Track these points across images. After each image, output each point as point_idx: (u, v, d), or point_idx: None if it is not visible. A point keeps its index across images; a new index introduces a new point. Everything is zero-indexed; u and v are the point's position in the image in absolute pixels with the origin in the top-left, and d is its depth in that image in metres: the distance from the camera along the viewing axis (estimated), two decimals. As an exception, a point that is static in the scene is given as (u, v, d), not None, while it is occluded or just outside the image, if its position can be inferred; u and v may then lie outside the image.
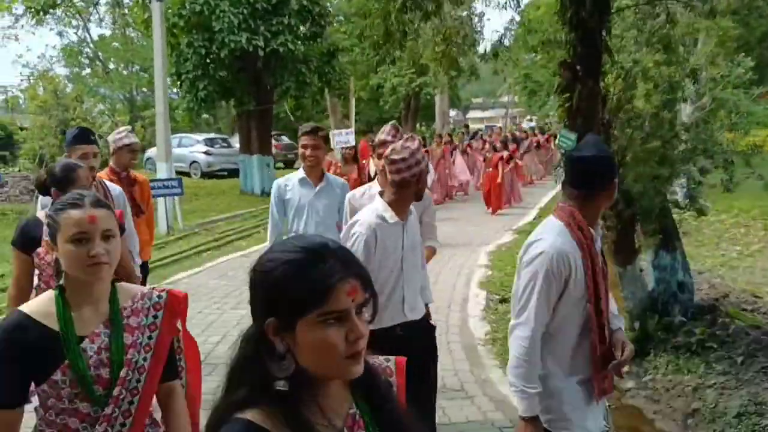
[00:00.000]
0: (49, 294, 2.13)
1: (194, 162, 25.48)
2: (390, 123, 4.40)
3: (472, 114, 77.04)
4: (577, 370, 2.79)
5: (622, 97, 7.27)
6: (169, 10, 16.58)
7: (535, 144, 24.39)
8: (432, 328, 3.94)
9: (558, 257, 2.64)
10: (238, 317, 7.85)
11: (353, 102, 22.77)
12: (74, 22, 38.30)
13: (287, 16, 17.49)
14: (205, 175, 25.14)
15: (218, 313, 8.02)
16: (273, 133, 23.11)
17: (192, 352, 2.64)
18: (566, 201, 2.81)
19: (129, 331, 2.16)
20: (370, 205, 3.62)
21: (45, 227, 2.12)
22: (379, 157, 4.17)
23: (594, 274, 2.72)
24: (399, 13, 6.74)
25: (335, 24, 23.47)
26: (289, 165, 29.12)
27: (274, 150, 22.24)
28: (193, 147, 25.72)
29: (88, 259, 2.03)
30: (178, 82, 17.96)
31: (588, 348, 2.76)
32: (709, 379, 6.58)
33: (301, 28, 18.03)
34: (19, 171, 20.49)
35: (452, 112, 45.59)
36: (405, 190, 3.44)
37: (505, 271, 10.17)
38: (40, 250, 3.42)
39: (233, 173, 25.85)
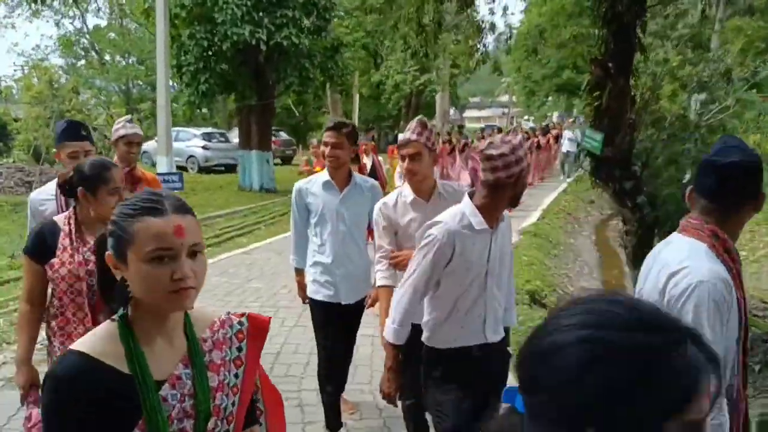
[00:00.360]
0: (108, 327, 1.60)
1: (191, 156, 25.16)
2: (417, 118, 3.84)
3: (468, 113, 76.95)
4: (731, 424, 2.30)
5: (650, 97, 7.02)
6: (171, 0, 16.22)
7: (535, 145, 24.05)
8: (508, 356, 3.37)
9: (721, 284, 2.15)
10: (243, 317, 7.56)
11: (357, 98, 22.40)
12: (71, 12, 37.93)
13: (291, 9, 17.13)
14: (202, 170, 24.86)
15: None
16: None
17: (269, 390, 2.08)
18: (700, 216, 2.34)
19: (213, 369, 1.68)
20: (457, 206, 3.05)
21: (108, 238, 1.59)
22: (403, 158, 3.66)
23: (745, 306, 2.28)
24: (436, 3, 6.41)
25: (337, 19, 23.11)
26: (287, 161, 28.86)
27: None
28: (191, 141, 25.40)
29: (171, 283, 1.51)
30: (179, 75, 17.56)
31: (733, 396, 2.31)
32: (725, 388, 6.38)
33: (305, 21, 17.66)
34: (14, 162, 20.15)
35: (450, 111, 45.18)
36: (499, 193, 2.88)
37: (515, 273, 9.88)
38: (54, 261, 3.03)
39: (230, 169, 25.54)
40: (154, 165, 20.03)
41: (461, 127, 30.11)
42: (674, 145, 7.42)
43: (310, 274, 4.50)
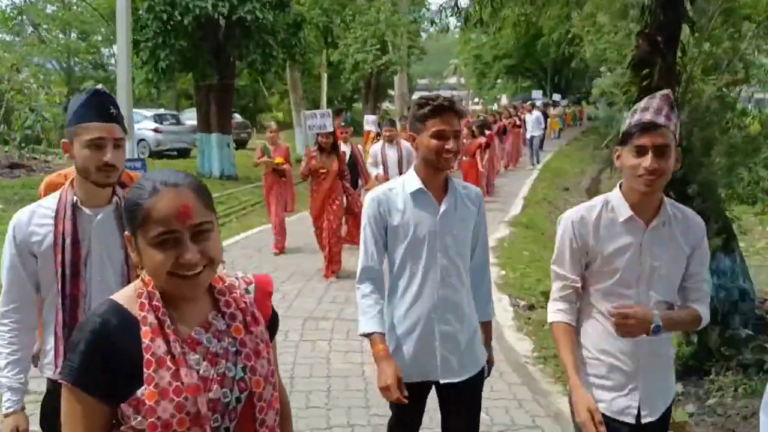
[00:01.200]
0: None
1: (142, 140, 23.36)
2: (660, 94, 2.49)
3: (416, 95, 75.99)
4: None
5: (690, 76, 6.39)
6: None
7: (502, 129, 23.31)
8: None
9: None
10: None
11: (325, 78, 21.21)
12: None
13: (254, -19, 16.02)
14: (154, 155, 23.25)
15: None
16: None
17: None
18: None
19: None
20: None
21: None
22: (640, 152, 2.41)
23: None
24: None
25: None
26: (241, 145, 27.34)
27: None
28: (141, 123, 23.48)
29: None
30: (136, 52, 16.20)
31: None
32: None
33: (267, -6, 16.56)
34: (-52, 146, 18.61)
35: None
36: None
37: (521, 270, 9.17)
38: (142, 392, 1.50)
39: (183, 153, 24.16)
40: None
41: (407, 108, 28.16)
42: (709, 128, 6.81)
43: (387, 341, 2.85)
